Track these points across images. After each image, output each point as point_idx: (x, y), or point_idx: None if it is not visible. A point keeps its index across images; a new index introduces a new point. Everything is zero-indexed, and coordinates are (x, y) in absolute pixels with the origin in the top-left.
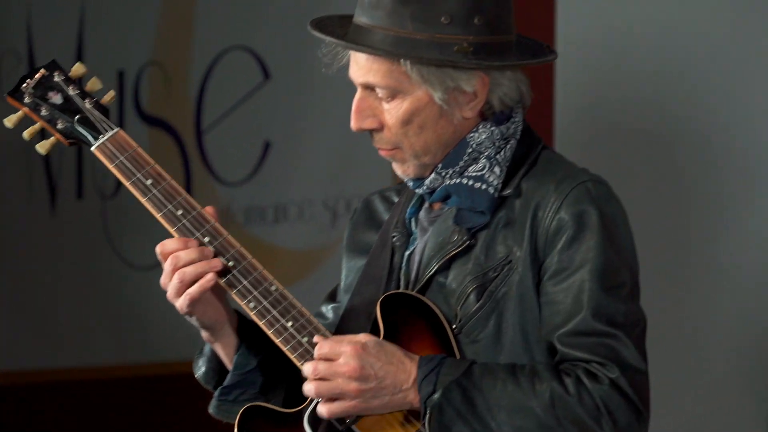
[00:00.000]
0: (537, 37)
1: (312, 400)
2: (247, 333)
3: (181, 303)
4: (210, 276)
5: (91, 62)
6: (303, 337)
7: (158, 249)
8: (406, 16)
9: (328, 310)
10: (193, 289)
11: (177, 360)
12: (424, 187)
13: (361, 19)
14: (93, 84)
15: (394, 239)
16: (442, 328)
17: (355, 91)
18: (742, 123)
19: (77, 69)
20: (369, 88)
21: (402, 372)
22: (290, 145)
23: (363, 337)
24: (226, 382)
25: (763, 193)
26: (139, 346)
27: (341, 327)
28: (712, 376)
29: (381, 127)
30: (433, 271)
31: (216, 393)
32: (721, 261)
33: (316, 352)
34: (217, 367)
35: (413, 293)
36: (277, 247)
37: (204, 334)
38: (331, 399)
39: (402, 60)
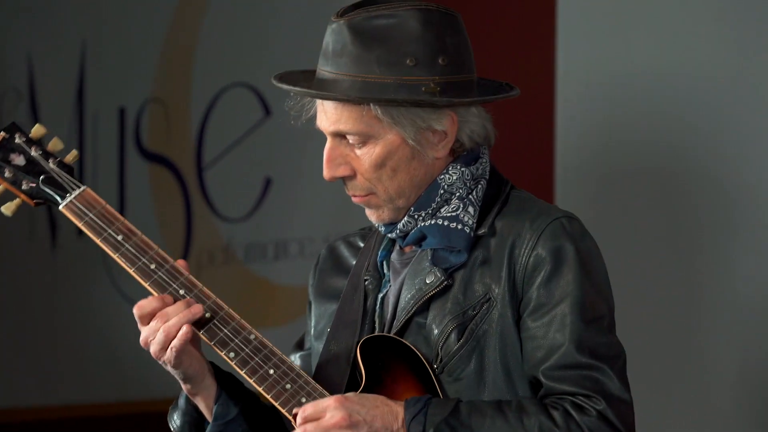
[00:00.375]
0: (538, 83)
1: None
2: (225, 383)
3: (168, 357)
4: (185, 328)
5: (92, 99)
6: (286, 384)
7: (136, 310)
8: (372, 62)
9: (296, 358)
10: (175, 342)
11: (174, 396)
12: (397, 231)
13: (325, 69)
14: (54, 144)
15: (367, 283)
16: (423, 369)
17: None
18: (745, 160)
19: (37, 130)
20: (340, 136)
21: (389, 413)
22: (291, 181)
23: (334, 396)
24: None
25: None
26: (140, 383)
27: (320, 373)
28: (714, 404)
29: (354, 174)
30: (411, 312)
31: None
32: (725, 299)
33: (300, 417)
34: (192, 419)
35: (392, 336)
36: (278, 284)
37: (186, 386)
38: None
39: (372, 104)
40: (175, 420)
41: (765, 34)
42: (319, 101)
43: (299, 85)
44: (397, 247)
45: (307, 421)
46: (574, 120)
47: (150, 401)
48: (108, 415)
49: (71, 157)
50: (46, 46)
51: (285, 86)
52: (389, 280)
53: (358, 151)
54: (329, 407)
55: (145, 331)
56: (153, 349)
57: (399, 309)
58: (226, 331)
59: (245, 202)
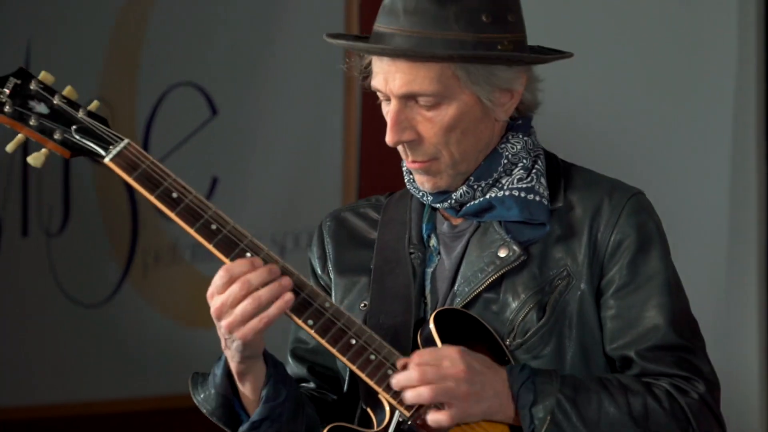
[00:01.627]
0: None
1: (392, 418)
2: (272, 364)
3: (251, 328)
4: (288, 296)
5: None
6: (370, 355)
7: (225, 273)
8: (451, 18)
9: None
10: (272, 311)
11: (119, 398)
12: (452, 201)
13: (393, 27)
14: (70, 93)
15: (413, 256)
16: (496, 344)
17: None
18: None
19: (45, 77)
20: (409, 98)
21: (495, 375)
22: (238, 180)
23: (452, 347)
24: (255, 416)
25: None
26: (82, 384)
27: None
28: None
29: (419, 139)
30: (482, 287)
31: (245, 427)
32: None
33: (417, 360)
34: (226, 401)
35: (464, 310)
36: None
37: (240, 366)
38: (436, 407)
39: (454, 63)
40: (210, 398)
41: (675, 34)
42: (387, 61)
43: (377, 46)
44: (441, 219)
45: (423, 364)
46: None
47: (90, 402)
48: (49, 417)
49: (94, 106)
50: None
51: (365, 45)
52: (435, 254)
53: (428, 113)
54: (449, 356)
55: (222, 299)
56: (230, 320)
57: (460, 283)
58: (303, 295)
59: None
